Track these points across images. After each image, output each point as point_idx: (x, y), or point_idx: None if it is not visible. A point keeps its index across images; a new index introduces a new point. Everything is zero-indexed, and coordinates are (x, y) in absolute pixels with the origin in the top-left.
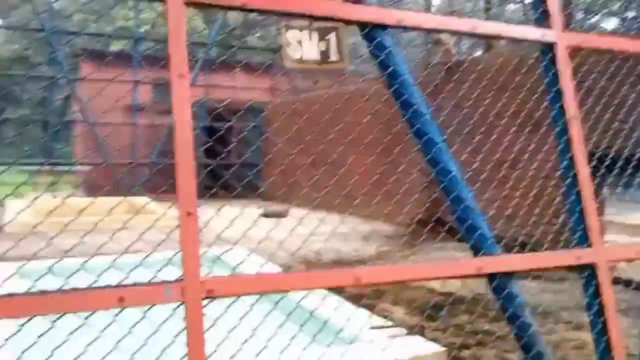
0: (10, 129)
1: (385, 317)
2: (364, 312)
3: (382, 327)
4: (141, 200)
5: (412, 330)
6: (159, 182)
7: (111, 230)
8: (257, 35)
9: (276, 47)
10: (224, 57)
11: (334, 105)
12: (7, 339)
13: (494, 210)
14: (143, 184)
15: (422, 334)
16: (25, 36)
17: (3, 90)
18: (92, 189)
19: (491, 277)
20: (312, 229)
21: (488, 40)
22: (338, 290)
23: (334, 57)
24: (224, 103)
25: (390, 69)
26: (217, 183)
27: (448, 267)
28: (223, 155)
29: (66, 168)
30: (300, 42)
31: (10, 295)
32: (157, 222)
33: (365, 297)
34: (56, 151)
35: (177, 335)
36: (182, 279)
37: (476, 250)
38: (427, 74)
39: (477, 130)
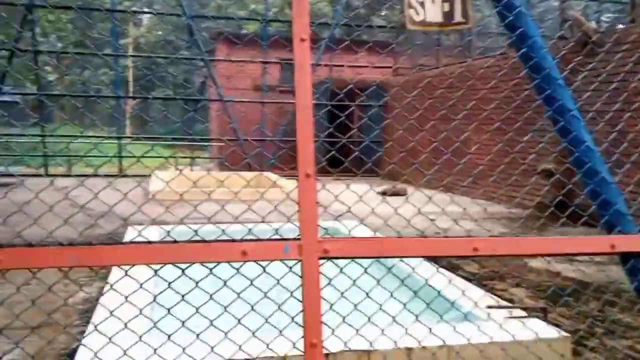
0: (156, 108)
1: (503, 297)
2: (479, 290)
3: (500, 306)
4: (269, 175)
5: (532, 312)
6: (286, 159)
7: (241, 200)
8: (382, 14)
9: (399, 25)
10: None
11: (456, 82)
12: (143, 283)
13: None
14: (271, 160)
15: (543, 318)
16: (169, 22)
17: (150, 72)
18: (225, 163)
19: (626, 257)
20: (423, 206)
21: (635, 11)
22: (453, 268)
23: (458, 17)
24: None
25: (520, 30)
26: (337, 146)
27: (577, 242)
28: (344, 121)
29: (203, 144)
30: (422, 4)
31: (148, 242)
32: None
33: (483, 277)
34: (194, 128)
35: (293, 291)
36: (299, 238)
37: (610, 228)
38: (559, 48)
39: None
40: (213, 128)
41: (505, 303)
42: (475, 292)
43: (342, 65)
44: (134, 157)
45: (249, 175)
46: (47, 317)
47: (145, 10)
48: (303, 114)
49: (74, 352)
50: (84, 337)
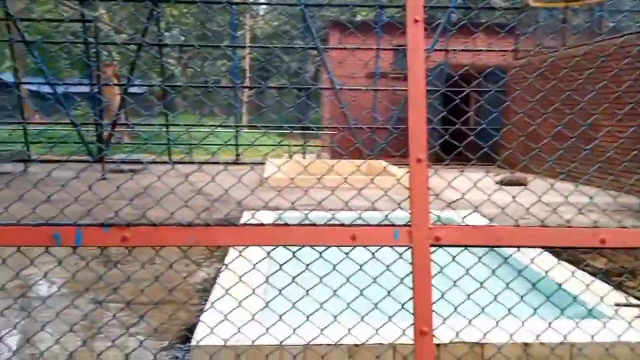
0: (271, 96)
1: (633, 295)
2: (605, 286)
3: (630, 304)
4: (379, 161)
5: None
6: (397, 145)
7: (353, 188)
8: None
9: (521, 5)
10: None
11: (584, 63)
12: (256, 264)
13: None
14: (382, 148)
15: None
16: (284, 12)
17: (266, 62)
18: (337, 151)
19: None
20: (543, 194)
21: None
22: (577, 262)
23: None
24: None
25: None
26: (450, 131)
27: None
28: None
29: (314, 132)
30: None
31: (260, 224)
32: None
33: (611, 272)
34: (307, 116)
35: (403, 278)
36: (410, 224)
37: None
38: None
39: None
40: (325, 114)
41: (636, 301)
42: (601, 288)
43: (456, 50)
44: (249, 144)
45: (358, 161)
46: (168, 294)
47: (262, 1)
48: (415, 97)
49: (193, 327)
50: (202, 314)
